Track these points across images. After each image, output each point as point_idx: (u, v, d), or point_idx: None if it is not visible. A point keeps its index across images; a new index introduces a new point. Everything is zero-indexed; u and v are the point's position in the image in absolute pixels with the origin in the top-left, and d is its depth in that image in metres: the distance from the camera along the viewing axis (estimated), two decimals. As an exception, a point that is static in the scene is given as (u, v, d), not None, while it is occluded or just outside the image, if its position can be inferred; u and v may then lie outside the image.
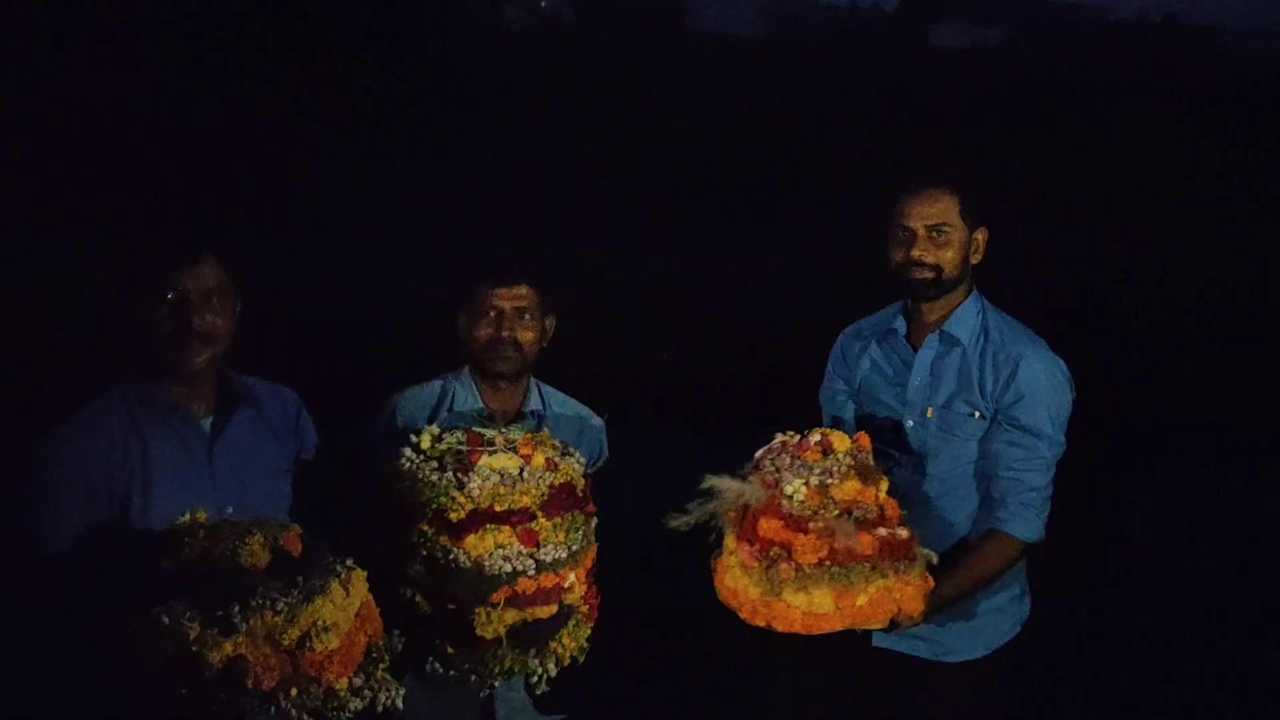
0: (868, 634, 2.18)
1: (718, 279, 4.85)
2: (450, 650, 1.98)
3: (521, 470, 1.96)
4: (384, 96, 4.80)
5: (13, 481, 1.96)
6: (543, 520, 1.95)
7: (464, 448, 2.02)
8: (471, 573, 1.94)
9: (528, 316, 2.31)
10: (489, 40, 4.99)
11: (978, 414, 2.28)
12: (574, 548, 1.98)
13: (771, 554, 1.97)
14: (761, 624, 2.00)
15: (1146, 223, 5.37)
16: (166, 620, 1.66)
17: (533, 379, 2.42)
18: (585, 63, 4.98)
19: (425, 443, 2.05)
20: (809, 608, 1.95)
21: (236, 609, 1.66)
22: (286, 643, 1.68)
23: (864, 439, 2.11)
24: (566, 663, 2.01)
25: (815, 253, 4.33)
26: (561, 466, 2.00)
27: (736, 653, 2.42)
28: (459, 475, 1.95)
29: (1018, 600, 2.38)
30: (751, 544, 2.01)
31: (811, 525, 1.94)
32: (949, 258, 2.28)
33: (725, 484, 2.05)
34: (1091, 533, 3.86)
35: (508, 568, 1.93)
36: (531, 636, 1.97)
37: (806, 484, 1.99)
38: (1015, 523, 2.23)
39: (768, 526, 1.98)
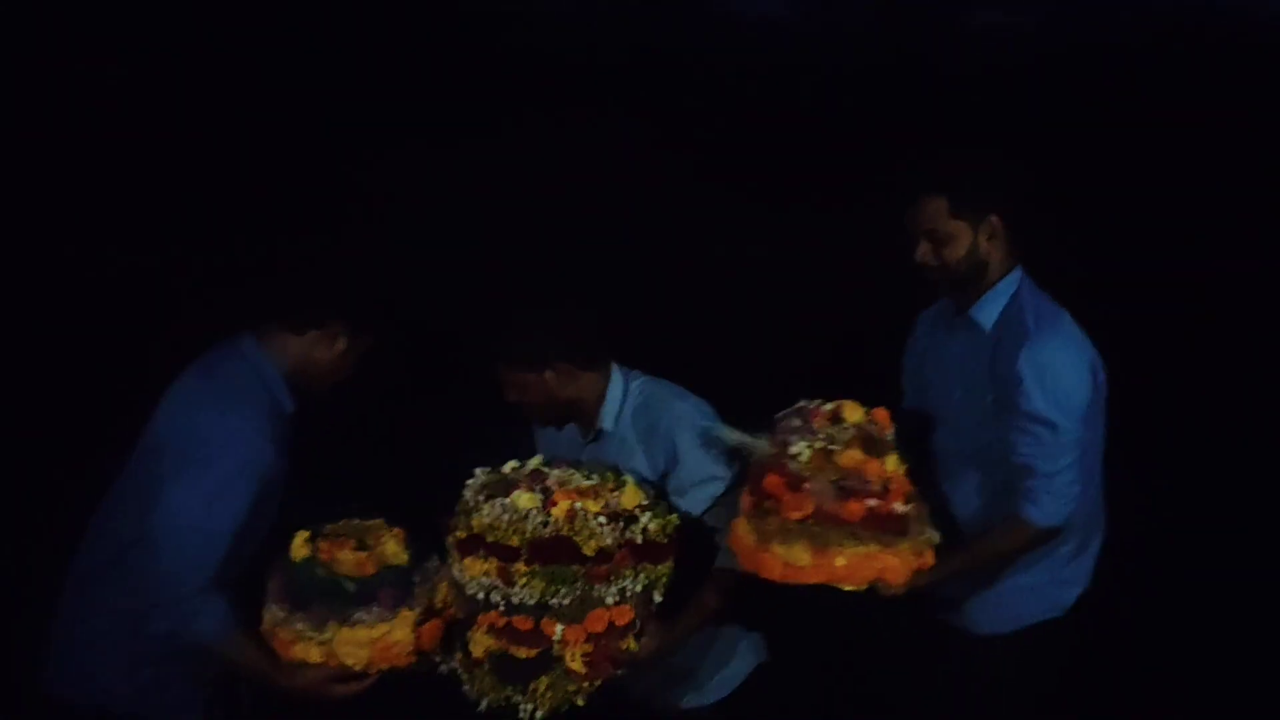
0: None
1: (747, 261, 4.81)
2: (459, 656, 2.12)
3: (529, 512, 2.01)
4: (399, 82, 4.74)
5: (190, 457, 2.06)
6: (520, 565, 2.00)
7: (517, 477, 2.11)
8: (462, 590, 2.07)
9: (524, 385, 2.30)
10: (513, 19, 4.94)
11: (992, 398, 2.33)
12: (554, 601, 2.01)
13: (765, 506, 2.09)
14: (751, 570, 2.12)
15: (1188, 212, 5.23)
16: (266, 621, 2.03)
17: (616, 385, 2.36)
18: (612, 43, 4.94)
19: (509, 466, 2.16)
20: (789, 559, 2.07)
21: (331, 623, 1.99)
22: (363, 652, 2.01)
23: (880, 414, 2.18)
24: (544, 711, 2.07)
25: (848, 236, 4.30)
26: (586, 526, 2.01)
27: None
28: (487, 501, 2.05)
29: (1055, 586, 2.43)
30: (753, 495, 2.12)
31: (805, 485, 2.05)
32: (951, 255, 2.33)
33: (737, 437, 2.16)
34: (1169, 525, 3.85)
35: (481, 595, 2.03)
36: (508, 671, 2.06)
37: (811, 447, 2.09)
38: (1027, 507, 2.28)
39: (769, 481, 2.10)
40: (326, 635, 2.02)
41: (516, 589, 2.01)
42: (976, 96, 4.87)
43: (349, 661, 2.03)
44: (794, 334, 4.30)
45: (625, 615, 2.07)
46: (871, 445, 2.12)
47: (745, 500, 2.16)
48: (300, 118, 4.27)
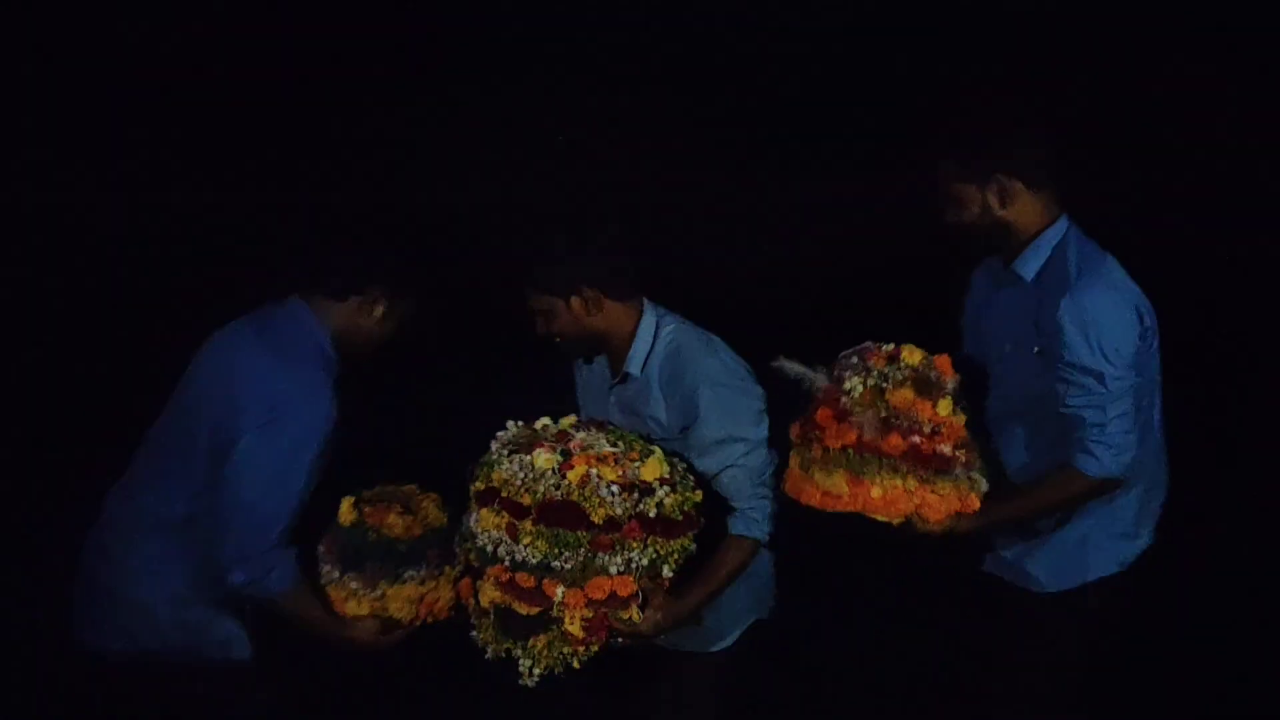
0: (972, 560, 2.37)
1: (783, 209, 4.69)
2: (471, 603, 2.16)
3: (545, 472, 2.02)
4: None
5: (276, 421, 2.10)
6: (527, 524, 2.00)
7: (543, 436, 2.13)
8: (474, 540, 2.11)
9: (552, 312, 2.26)
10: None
11: (1038, 349, 2.28)
12: (557, 564, 2.00)
13: (811, 435, 2.15)
14: (794, 496, 2.17)
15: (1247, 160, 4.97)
16: (324, 580, 2.14)
17: (647, 327, 2.29)
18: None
19: (540, 423, 2.19)
20: (827, 487, 2.12)
21: (383, 582, 2.12)
22: (412, 607, 2.16)
23: (941, 360, 2.18)
24: (540, 669, 2.07)
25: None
26: (597, 493, 1.99)
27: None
28: (510, 455, 2.09)
29: (1115, 540, 2.35)
30: (803, 426, 2.19)
31: (851, 417, 2.10)
32: (966, 215, 2.31)
33: (793, 367, 2.22)
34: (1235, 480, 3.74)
35: (490, 548, 2.05)
36: (510, 625, 2.07)
37: (864, 383, 2.12)
38: (1080, 457, 2.21)
39: (820, 413, 2.15)
40: (377, 593, 2.13)
41: (520, 546, 2.01)
42: (1004, 54, 4.73)
43: (398, 615, 2.15)
44: (849, 291, 4.24)
45: (628, 586, 2.03)
46: (924, 387, 2.12)
47: (795, 430, 2.20)
48: (330, 83, 4.25)
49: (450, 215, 4.09)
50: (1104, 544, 2.34)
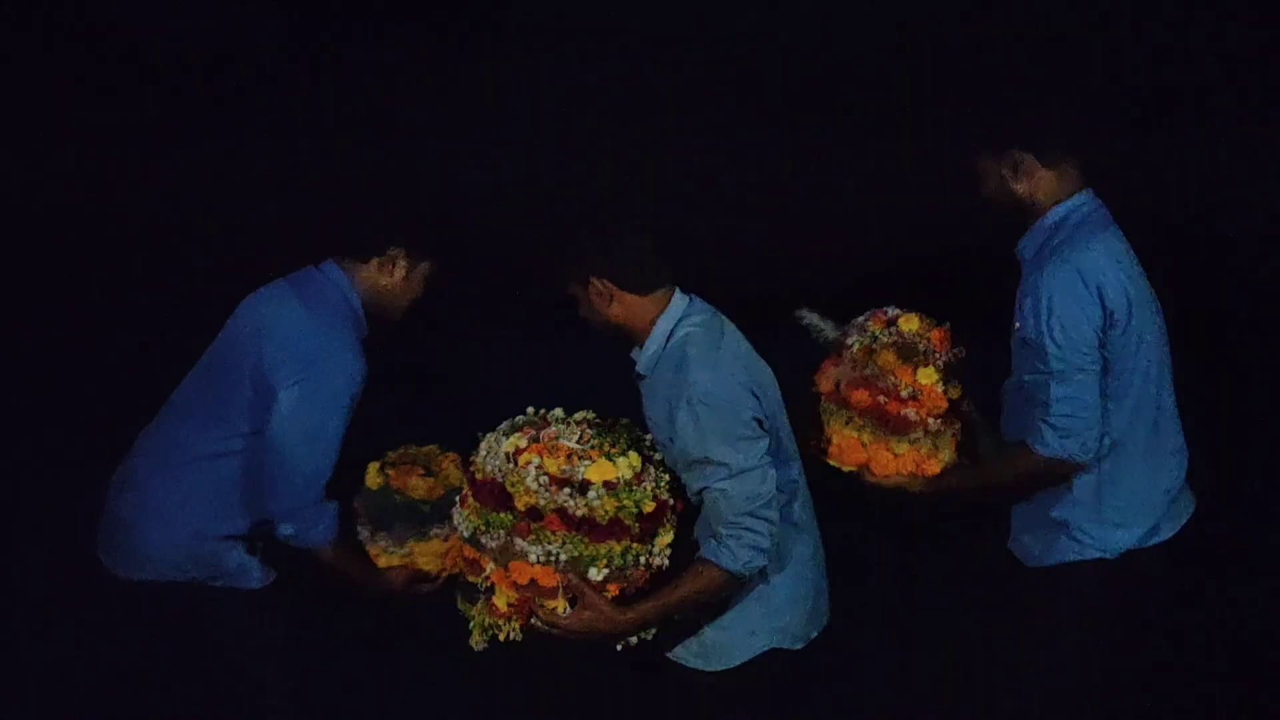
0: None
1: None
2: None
3: (503, 454, 2.08)
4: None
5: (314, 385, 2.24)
6: (471, 498, 2.12)
7: (532, 423, 2.18)
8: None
9: (581, 302, 2.26)
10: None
11: (1017, 325, 2.29)
12: (485, 540, 2.07)
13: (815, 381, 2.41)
14: None
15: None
16: (359, 536, 2.32)
17: (664, 325, 2.20)
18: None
19: (553, 414, 2.21)
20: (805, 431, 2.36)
21: (410, 539, 2.29)
22: (437, 561, 2.32)
23: (938, 333, 2.32)
24: (476, 635, 2.15)
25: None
26: (523, 481, 2.01)
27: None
28: (497, 435, 2.17)
29: (1104, 526, 2.32)
30: (818, 373, 2.43)
31: (834, 369, 2.35)
32: (990, 189, 2.33)
33: (809, 317, 2.46)
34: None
35: (449, 511, 2.24)
36: (464, 590, 2.20)
37: (859, 342, 2.33)
38: (1032, 435, 2.23)
39: (825, 363, 2.41)
40: (405, 550, 2.31)
41: (460, 517, 2.14)
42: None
43: (425, 569, 2.34)
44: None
45: (550, 577, 2.03)
46: (907, 353, 2.26)
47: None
48: (352, 42, 4.26)
49: (476, 184, 4.12)
50: (1087, 529, 2.32)
